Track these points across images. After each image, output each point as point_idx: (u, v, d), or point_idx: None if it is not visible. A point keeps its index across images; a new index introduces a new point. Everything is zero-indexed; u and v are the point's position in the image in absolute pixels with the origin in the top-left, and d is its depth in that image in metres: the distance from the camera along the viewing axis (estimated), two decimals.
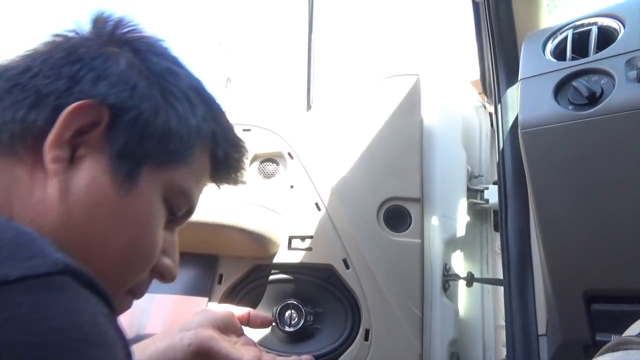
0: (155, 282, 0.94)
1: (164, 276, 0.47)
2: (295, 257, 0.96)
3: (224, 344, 0.67)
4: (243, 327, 0.75)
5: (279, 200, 1.00)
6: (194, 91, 0.45)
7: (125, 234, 0.40)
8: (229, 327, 0.73)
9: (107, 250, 0.39)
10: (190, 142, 0.43)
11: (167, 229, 0.45)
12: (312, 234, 0.97)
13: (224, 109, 0.49)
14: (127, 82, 0.40)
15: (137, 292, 0.46)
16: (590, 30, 0.76)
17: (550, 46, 0.80)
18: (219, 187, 0.52)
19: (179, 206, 0.45)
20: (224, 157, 0.48)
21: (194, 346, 0.64)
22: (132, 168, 0.40)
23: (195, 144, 0.44)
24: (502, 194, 0.91)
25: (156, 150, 0.41)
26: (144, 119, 0.40)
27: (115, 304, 0.40)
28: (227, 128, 0.49)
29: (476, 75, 1.22)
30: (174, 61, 0.46)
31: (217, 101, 0.48)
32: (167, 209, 0.44)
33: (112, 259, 0.40)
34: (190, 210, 0.47)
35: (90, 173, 0.38)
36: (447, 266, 1.02)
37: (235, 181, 0.52)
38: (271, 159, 1.04)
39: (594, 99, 0.68)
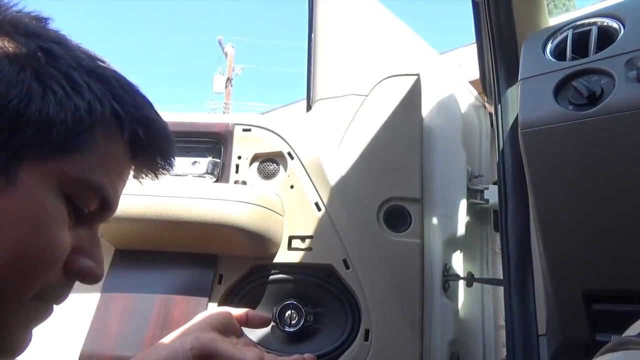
0: (155, 282, 0.94)
1: (85, 277, 0.43)
2: (295, 257, 0.96)
3: (226, 345, 0.67)
4: (242, 328, 0.75)
5: (279, 200, 1.00)
6: (80, 70, 0.39)
7: (7, 235, 0.35)
8: (228, 329, 0.73)
9: None
10: (80, 128, 0.38)
11: (82, 227, 0.42)
12: (312, 234, 0.97)
13: (132, 87, 0.44)
14: None
15: (50, 297, 0.42)
16: (590, 30, 0.76)
17: (550, 46, 0.80)
18: (143, 176, 0.48)
19: (84, 201, 0.40)
20: (137, 140, 0.43)
21: (197, 350, 0.64)
22: (8, 163, 0.35)
23: (90, 129, 0.39)
24: (502, 194, 0.91)
25: (35, 141, 0.36)
26: (13, 107, 0.35)
27: (21, 312, 0.38)
28: (136, 106, 0.43)
29: (476, 75, 1.22)
30: (53, 40, 0.40)
31: (120, 78, 0.43)
32: (70, 205, 0.39)
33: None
34: (105, 205, 0.43)
35: None
36: (447, 266, 1.02)
37: (158, 167, 0.47)
38: (271, 159, 1.04)
39: (594, 99, 0.68)
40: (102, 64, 0.42)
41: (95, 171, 0.40)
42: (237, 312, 0.76)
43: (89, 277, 0.43)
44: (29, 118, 0.35)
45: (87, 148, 0.39)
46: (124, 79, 0.43)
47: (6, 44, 0.37)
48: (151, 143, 0.44)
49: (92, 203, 0.41)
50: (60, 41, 0.40)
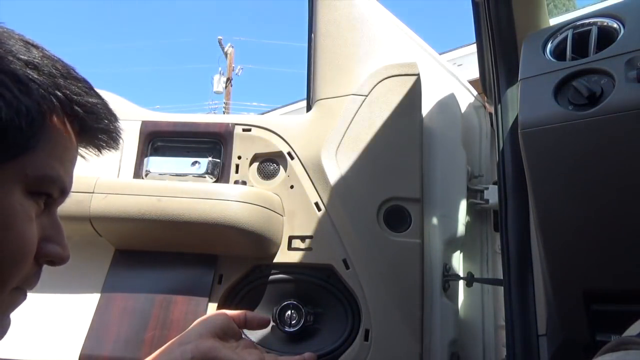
0: (155, 282, 0.94)
1: (54, 262, 0.45)
2: (295, 257, 0.96)
3: (226, 351, 0.67)
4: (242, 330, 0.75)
5: (279, 200, 1.00)
6: (21, 65, 0.39)
7: None
8: (227, 333, 0.73)
9: None
10: (33, 129, 0.39)
11: (44, 215, 0.43)
12: (312, 234, 0.97)
13: (70, 72, 0.44)
14: None
15: (25, 285, 0.44)
16: (590, 30, 0.76)
17: (550, 46, 0.80)
18: (88, 153, 0.49)
19: (45, 194, 0.42)
20: (83, 126, 0.45)
21: (197, 358, 0.64)
22: None
23: (42, 126, 0.40)
24: (502, 194, 0.91)
25: None
26: None
27: (1, 303, 0.41)
28: (78, 93, 0.44)
29: (476, 75, 1.22)
30: None
31: (59, 65, 0.43)
32: (34, 200, 0.41)
33: None
34: (64, 192, 0.44)
35: None
36: (447, 266, 1.02)
37: (103, 146, 0.49)
38: (271, 159, 1.04)
39: (594, 99, 0.68)
40: (39, 52, 0.42)
41: (51, 165, 0.41)
42: (235, 314, 0.76)
43: (58, 261, 0.45)
44: None
45: (41, 145, 0.40)
46: (62, 64, 0.43)
47: None
48: (95, 126, 0.46)
49: (54, 193, 0.43)
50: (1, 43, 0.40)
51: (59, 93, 0.41)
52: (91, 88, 0.46)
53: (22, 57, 0.40)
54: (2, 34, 0.41)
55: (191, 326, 0.72)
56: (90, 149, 0.49)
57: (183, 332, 0.71)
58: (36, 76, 0.40)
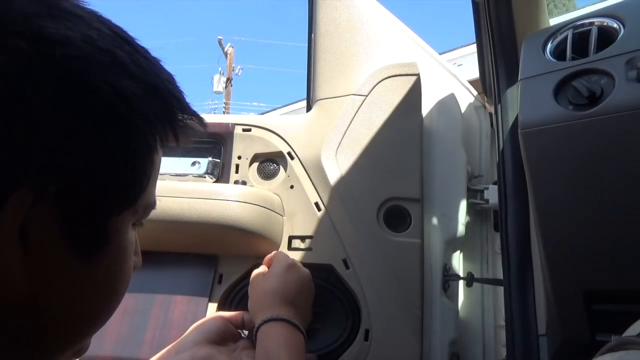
0: (155, 283, 0.94)
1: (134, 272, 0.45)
2: (295, 257, 0.96)
3: (223, 357, 0.67)
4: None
5: (279, 200, 1.00)
6: (149, 99, 0.35)
7: (106, 287, 0.37)
8: (224, 336, 0.73)
9: (91, 317, 0.37)
10: (153, 165, 0.38)
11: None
12: (312, 234, 0.97)
13: (174, 84, 0.39)
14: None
15: None
16: (590, 31, 0.76)
17: (550, 46, 0.80)
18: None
19: (146, 217, 0.42)
20: (181, 135, 0.42)
21: None
22: (100, 225, 0.34)
23: (152, 161, 0.38)
24: (502, 194, 0.91)
25: (119, 197, 0.35)
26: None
27: None
28: (181, 109, 0.40)
29: (476, 75, 1.22)
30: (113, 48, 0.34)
31: (166, 79, 0.38)
32: (135, 228, 0.41)
33: (96, 316, 0.38)
34: (154, 208, 0.43)
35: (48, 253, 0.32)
36: (447, 266, 1.02)
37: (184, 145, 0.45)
38: (271, 159, 1.04)
39: (594, 99, 0.68)
40: (149, 68, 0.37)
41: (152, 192, 0.41)
42: (232, 315, 0.76)
43: (136, 269, 0.44)
44: (119, 177, 0.34)
45: (150, 181, 0.39)
46: (165, 74, 0.38)
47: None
48: (185, 133, 0.43)
49: (148, 216, 0.42)
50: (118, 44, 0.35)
51: (170, 117, 0.38)
52: (180, 88, 0.40)
53: (139, 78, 0.35)
54: (116, 43, 0.35)
55: (186, 333, 0.72)
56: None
57: (178, 339, 0.71)
58: (156, 104, 0.36)
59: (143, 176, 0.37)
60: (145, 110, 0.35)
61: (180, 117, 0.40)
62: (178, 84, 0.40)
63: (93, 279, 0.36)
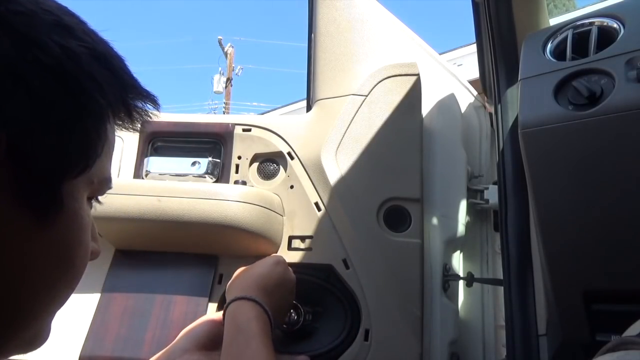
0: (155, 282, 0.94)
1: (90, 259, 0.44)
2: (295, 257, 0.96)
3: None
4: None
5: (279, 200, 1.00)
6: (95, 62, 0.35)
7: (59, 256, 0.36)
8: (215, 339, 0.72)
9: (45, 290, 0.37)
10: (107, 132, 0.37)
11: None
12: (312, 234, 0.97)
13: (126, 64, 0.40)
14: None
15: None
16: (590, 31, 0.76)
17: (550, 46, 0.80)
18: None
19: (102, 194, 0.42)
20: (139, 120, 0.42)
21: None
22: (54, 189, 0.34)
23: (107, 127, 0.38)
24: (502, 194, 0.91)
25: (75, 161, 0.35)
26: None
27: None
28: (134, 87, 0.40)
29: (476, 75, 1.22)
30: (64, 21, 0.35)
31: (116, 56, 0.39)
32: (91, 205, 0.40)
33: (50, 290, 0.37)
34: (109, 187, 0.43)
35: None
36: (447, 266, 1.02)
37: (136, 127, 0.44)
38: (271, 159, 1.04)
39: (594, 99, 0.68)
40: (103, 44, 0.38)
41: (107, 167, 0.41)
42: (221, 316, 0.76)
43: (95, 258, 0.44)
44: (72, 139, 0.34)
45: (105, 151, 0.39)
46: (115, 51, 0.39)
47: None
48: (143, 120, 0.43)
49: (105, 192, 0.42)
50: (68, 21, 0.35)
51: (122, 91, 0.39)
52: (130, 69, 0.41)
53: (88, 44, 0.35)
54: (63, 12, 0.36)
55: (176, 339, 0.72)
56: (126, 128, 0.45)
57: (168, 346, 0.71)
58: (103, 71, 0.36)
59: (97, 141, 0.36)
60: (94, 74, 0.35)
61: (132, 95, 0.40)
62: (129, 66, 0.41)
63: (46, 245, 0.35)
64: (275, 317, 0.78)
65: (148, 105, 0.43)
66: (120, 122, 0.42)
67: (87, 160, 0.36)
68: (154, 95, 0.43)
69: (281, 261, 0.86)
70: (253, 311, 0.73)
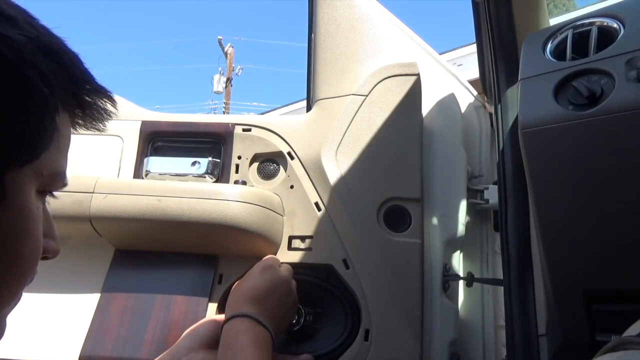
0: (155, 282, 0.94)
1: (48, 258, 0.44)
2: (295, 257, 0.96)
3: None
4: None
5: (279, 200, 1.00)
6: (40, 55, 0.35)
7: (5, 245, 0.36)
8: (218, 339, 0.73)
9: None
10: (53, 124, 0.37)
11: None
12: (312, 234, 0.97)
13: (76, 56, 0.40)
14: None
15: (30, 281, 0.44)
16: (590, 31, 0.76)
17: (550, 46, 0.80)
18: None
19: (54, 190, 0.41)
20: (91, 116, 0.42)
21: None
22: None
23: (55, 123, 0.37)
24: (502, 194, 0.91)
25: (18, 150, 0.35)
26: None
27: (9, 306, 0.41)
28: (86, 80, 0.41)
29: (476, 75, 1.22)
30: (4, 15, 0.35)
31: (65, 50, 0.39)
32: (41, 199, 0.40)
33: (2, 282, 0.37)
34: (65, 184, 0.43)
35: None
36: (447, 266, 1.02)
37: (96, 128, 0.45)
38: (271, 159, 1.04)
39: (594, 99, 0.68)
40: (49, 36, 0.38)
41: (60, 161, 0.40)
42: (224, 317, 0.76)
43: (53, 256, 0.44)
44: (12, 127, 0.34)
45: (54, 143, 0.38)
46: (65, 45, 0.40)
47: None
48: (99, 110, 0.43)
49: (59, 188, 0.42)
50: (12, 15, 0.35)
51: (71, 83, 0.39)
52: (84, 65, 0.41)
53: (31, 35, 0.36)
54: (8, 5, 0.36)
55: (180, 339, 0.73)
56: (84, 129, 0.45)
57: (172, 347, 0.71)
58: (49, 62, 0.36)
59: (42, 132, 0.36)
60: (37, 63, 0.35)
61: (85, 90, 0.40)
62: (83, 61, 0.41)
63: None
64: (277, 323, 0.79)
65: (106, 103, 0.43)
66: (81, 121, 0.42)
67: (32, 150, 0.36)
68: (108, 91, 0.43)
69: (269, 265, 0.86)
70: (243, 325, 0.74)
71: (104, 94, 0.43)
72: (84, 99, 0.40)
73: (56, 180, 0.40)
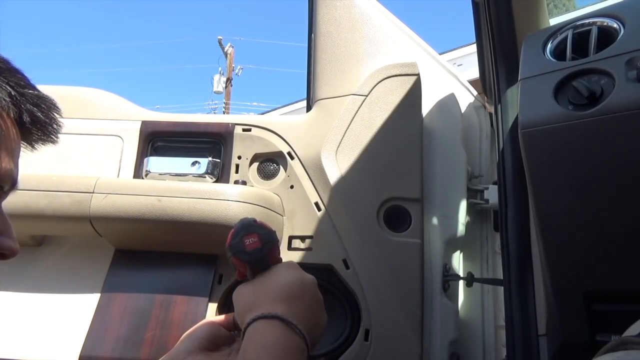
0: (155, 282, 0.94)
1: (5, 256, 0.45)
2: (295, 257, 0.96)
3: None
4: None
5: (279, 200, 1.00)
6: None
7: None
8: (216, 341, 0.72)
9: None
10: None
11: None
12: (312, 234, 0.97)
13: (16, 67, 0.44)
14: None
15: None
16: (590, 30, 0.76)
17: (550, 46, 0.80)
18: (32, 148, 0.48)
19: (4, 189, 0.42)
20: (31, 119, 0.44)
21: None
22: None
23: None
24: (502, 194, 0.91)
25: None
26: None
27: None
28: (23, 85, 0.44)
29: (476, 75, 1.22)
30: None
31: (4, 61, 0.43)
32: None
33: None
34: (14, 183, 0.44)
35: None
36: (447, 266, 1.02)
37: (48, 139, 0.47)
38: (271, 159, 1.04)
39: (594, 99, 0.68)
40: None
41: (4, 159, 0.42)
42: (222, 319, 0.76)
43: (10, 255, 0.44)
44: None
45: None
46: (6, 60, 0.43)
47: None
48: (42, 118, 0.45)
49: (4, 187, 0.43)
50: None
51: (7, 85, 0.41)
52: (30, 80, 0.45)
53: None
54: None
55: (178, 342, 0.72)
56: (24, 144, 0.47)
57: (171, 350, 0.71)
58: None
59: None
60: None
61: (25, 98, 0.43)
62: (23, 73, 0.44)
63: None
64: (311, 332, 0.61)
65: (54, 114, 0.45)
66: (30, 133, 0.44)
67: None
68: (50, 100, 0.46)
69: (294, 265, 0.70)
70: (272, 333, 0.58)
71: (45, 102, 0.45)
72: (23, 107, 0.43)
73: (4, 180, 0.41)
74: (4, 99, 0.41)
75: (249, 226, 0.66)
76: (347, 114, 1.01)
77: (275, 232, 0.69)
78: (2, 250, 0.44)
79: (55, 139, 0.47)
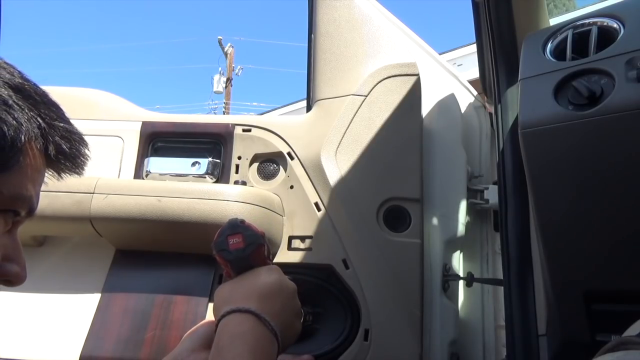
0: (155, 282, 0.94)
1: (12, 282, 0.45)
2: (295, 257, 0.96)
3: None
4: None
5: (279, 200, 1.00)
6: (7, 89, 0.41)
7: None
8: None
9: None
10: (14, 149, 0.40)
11: (6, 235, 0.44)
12: (312, 234, 0.97)
13: (52, 100, 0.46)
14: None
15: None
16: (590, 31, 0.76)
17: (550, 46, 0.80)
18: (59, 178, 0.50)
19: (15, 213, 0.43)
20: (57, 151, 0.46)
21: None
22: None
23: (22, 149, 0.41)
24: (502, 194, 0.91)
25: None
26: None
27: None
28: (54, 118, 0.45)
29: (476, 75, 1.22)
30: None
31: (41, 93, 0.45)
32: (2, 217, 0.42)
33: None
34: (31, 212, 0.45)
35: None
36: (447, 266, 1.02)
37: (68, 171, 0.49)
38: (271, 159, 1.04)
39: (594, 99, 0.68)
40: (18, 75, 0.43)
41: (26, 186, 0.42)
42: None
43: (16, 282, 0.45)
44: None
45: (18, 166, 0.41)
46: (41, 89, 0.45)
47: None
48: (67, 151, 0.47)
49: (21, 212, 0.43)
50: None
51: (38, 117, 0.43)
52: (64, 114, 0.47)
53: (9, 81, 0.41)
54: None
55: (181, 341, 0.72)
56: (51, 172, 0.48)
57: (173, 350, 0.71)
58: (21, 100, 0.41)
59: (7, 153, 0.39)
60: (3, 97, 0.39)
61: (55, 131, 0.44)
62: (61, 109, 0.46)
63: None
64: (284, 330, 0.65)
65: (81, 148, 0.47)
66: (58, 163, 0.46)
67: None
68: (79, 134, 0.47)
69: (274, 268, 0.73)
70: (244, 324, 0.62)
71: (76, 138, 0.46)
72: (50, 139, 0.44)
73: (18, 202, 0.42)
74: (33, 131, 0.42)
75: (235, 226, 0.69)
76: (347, 114, 1.01)
77: (263, 234, 0.70)
78: (8, 277, 0.44)
79: (81, 171, 0.49)
